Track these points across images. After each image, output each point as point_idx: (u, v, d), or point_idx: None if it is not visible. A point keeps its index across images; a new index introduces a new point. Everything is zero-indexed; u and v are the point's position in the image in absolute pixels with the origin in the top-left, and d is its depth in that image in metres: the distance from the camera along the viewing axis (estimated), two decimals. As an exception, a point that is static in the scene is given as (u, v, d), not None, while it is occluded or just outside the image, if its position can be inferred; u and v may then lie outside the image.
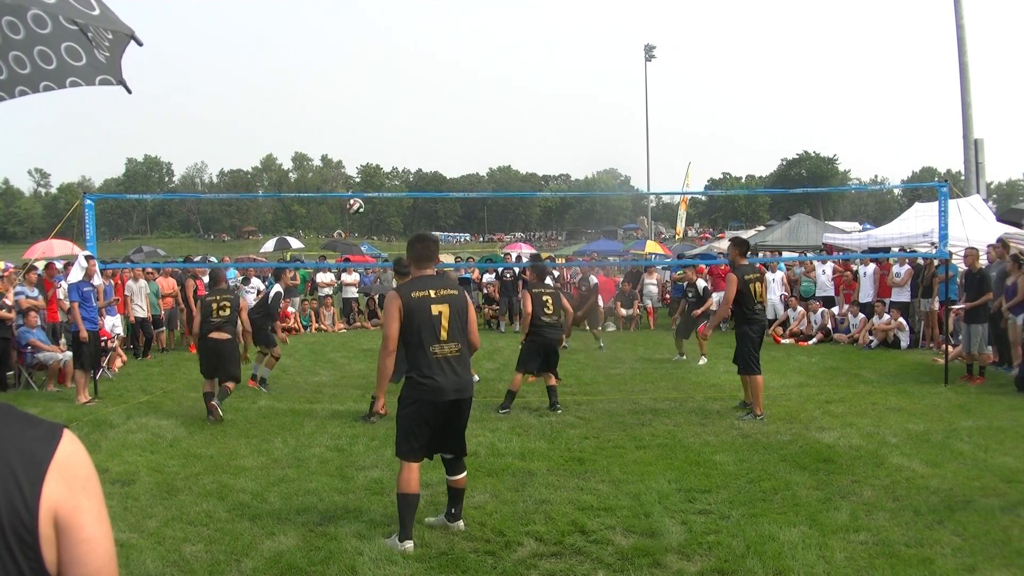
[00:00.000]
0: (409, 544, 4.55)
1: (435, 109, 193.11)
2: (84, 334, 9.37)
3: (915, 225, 15.12)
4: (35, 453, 1.20)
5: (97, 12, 2.49)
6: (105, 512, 1.29)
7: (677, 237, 41.65)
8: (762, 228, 34.92)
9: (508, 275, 17.69)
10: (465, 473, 4.93)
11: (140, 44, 2.65)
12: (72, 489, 1.23)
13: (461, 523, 4.90)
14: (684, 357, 12.76)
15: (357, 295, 19.75)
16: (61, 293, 11.40)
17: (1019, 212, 14.75)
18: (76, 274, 9.71)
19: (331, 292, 19.70)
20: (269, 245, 35.81)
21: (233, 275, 17.26)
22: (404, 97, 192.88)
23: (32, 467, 1.19)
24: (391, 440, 7.20)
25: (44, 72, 2.80)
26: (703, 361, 12.13)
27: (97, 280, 10.10)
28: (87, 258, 9.77)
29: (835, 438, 7.08)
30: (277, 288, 10.59)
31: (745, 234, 36.42)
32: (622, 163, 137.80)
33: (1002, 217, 14.52)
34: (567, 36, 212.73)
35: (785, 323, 15.87)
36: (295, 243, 36.23)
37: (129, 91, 2.91)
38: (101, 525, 1.26)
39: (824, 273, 16.16)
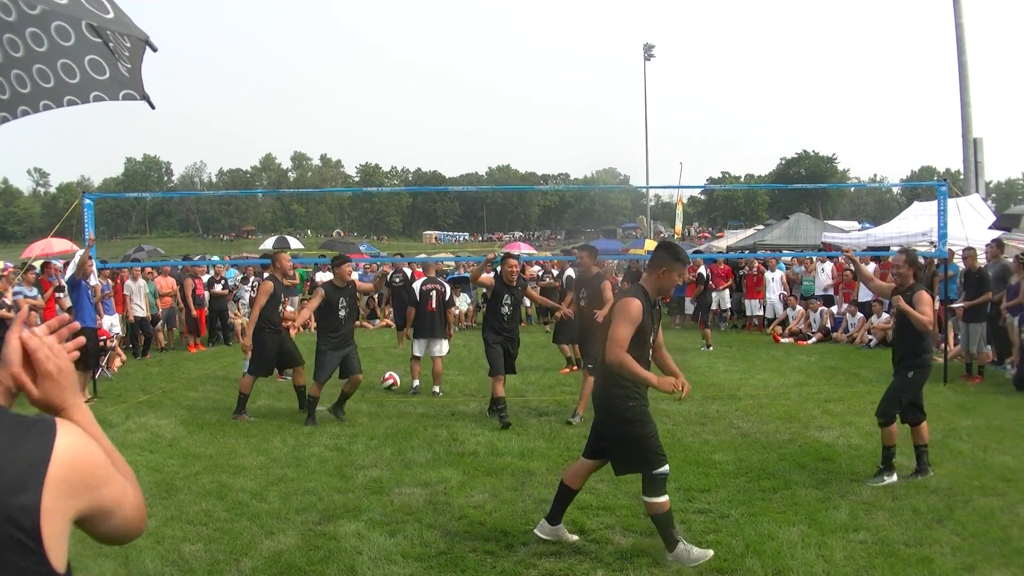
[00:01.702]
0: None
1: (434, 109, 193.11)
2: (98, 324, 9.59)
3: (914, 224, 15.14)
4: (30, 464, 1.19)
5: (111, 15, 2.47)
6: (117, 478, 1.32)
7: (676, 236, 41.59)
8: (761, 227, 34.93)
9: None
10: (647, 497, 4.36)
11: (155, 50, 2.63)
12: (86, 483, 1.24)
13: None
14: (711, 348, 13.63)
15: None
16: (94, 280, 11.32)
17: (1013, 217, 14.65)
18: (72, 270, 9.70)
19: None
20: (269, 243, 35.85)
21: (232, 274, 17.28)
22: (403, 96, 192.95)
23: (28, 481, 1.17)
24: (390, 440, 7.25)
25: (68, 86, 2.77)
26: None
27: (93, 280, 10.09)
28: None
29: (834, 437, 7.09)
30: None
31: (743, 233, 36.39)
32: (621, 162, 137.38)
33: (997, 224, 14.42)
34: (565, 35, 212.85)
35: (784, 322, 15.89)
36: (295, 243, 36.15)
37: (152, 106, 2.89)
38: (121, 497, 1.33)
39: (823, 272, 16.18)
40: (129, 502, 1.35)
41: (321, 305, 8.04)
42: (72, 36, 2.64)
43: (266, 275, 8.83)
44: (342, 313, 8.07)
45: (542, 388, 9.83)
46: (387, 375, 8.03)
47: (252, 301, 16.43)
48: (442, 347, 9.64)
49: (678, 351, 13.39)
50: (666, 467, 4.38)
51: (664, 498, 4.33)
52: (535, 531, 4.66)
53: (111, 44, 2.65)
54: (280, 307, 8.62)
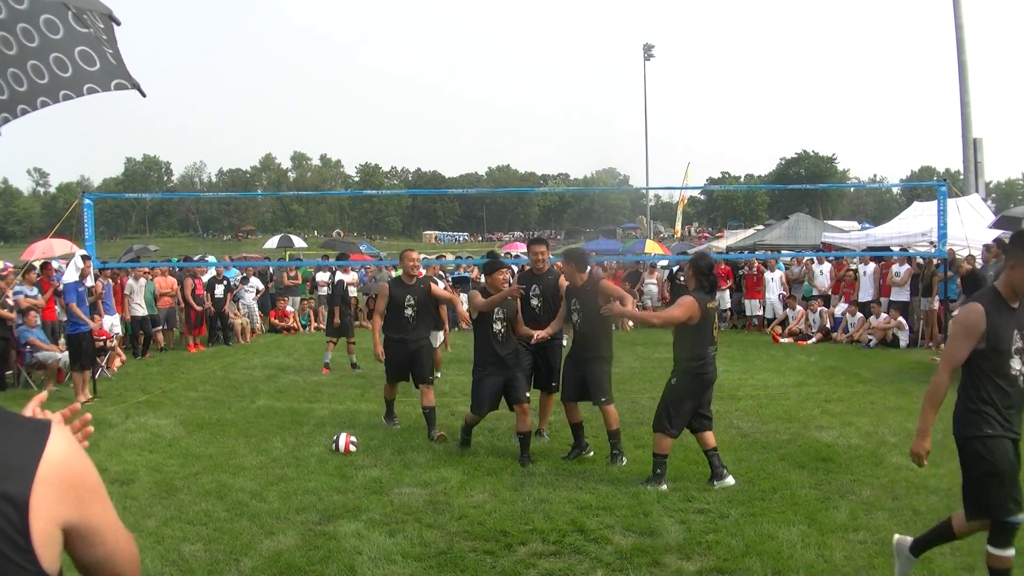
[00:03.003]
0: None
1: (434, 109, 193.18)
2: (96, 326, 9.51)
3: (914, 224, 15.15)
4: (21, 458, 1.18)
5: None
6: (109, 504, 1.30)
7: (676, 236, 41.60)
8: (760, 227, 34.91)
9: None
10: (990, 547, 3.60)
11: (118, 23, 2.66)
12: (76, 492, 1.23)
13: None
14: None
15: (356, 294, 19.73)
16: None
17: (1014, 220, 14.64)
18: (71, 274, 9.69)
19: (329, 291, 19.67)
20: (272, 242, 35.86)
21: (233, 274, 17.26)
22: (403, 96, 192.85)
23: (18, 474, 1.16)
24: (390, 439, 7.24)
25: (62, 80, 2.79)
26: None
27: (90, 281, 10.08)
28: (83, 258, 9.76)
29: (834, 437, 7.08)
30: (340, 276, 12.13)
31: (743, 233, 36.36)
32: (621, 162, 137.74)
33: (996, 224, 14.40)
34: (565, 35, 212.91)
35: (784, 322, 15.89)
36: (298, 242, 36.09)
37: (144, 94, 2.91)
38: (113, 526, 1.30)
39: (822, 274, 16.18)
40: (122, 539, 1.32)
41: (475, 318, 6.60)
42: (60, 29, 2.65)
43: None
44: (497, 327, 6.49)
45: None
46: (340, 438, 6.82)
47: (262, 300, 16.78)
48: (437, 338, 9.97)
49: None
50: (1020, 516, 3.53)
51: (1010, 552, 3.52)
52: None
53: (91, 30, 2.67)
54: (408, 312, 7.34)
